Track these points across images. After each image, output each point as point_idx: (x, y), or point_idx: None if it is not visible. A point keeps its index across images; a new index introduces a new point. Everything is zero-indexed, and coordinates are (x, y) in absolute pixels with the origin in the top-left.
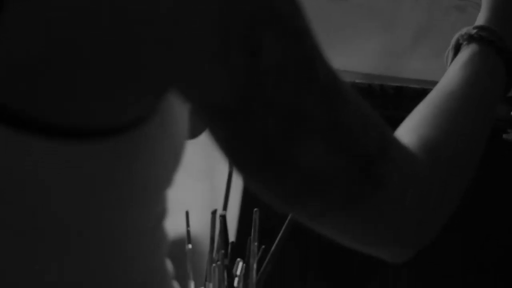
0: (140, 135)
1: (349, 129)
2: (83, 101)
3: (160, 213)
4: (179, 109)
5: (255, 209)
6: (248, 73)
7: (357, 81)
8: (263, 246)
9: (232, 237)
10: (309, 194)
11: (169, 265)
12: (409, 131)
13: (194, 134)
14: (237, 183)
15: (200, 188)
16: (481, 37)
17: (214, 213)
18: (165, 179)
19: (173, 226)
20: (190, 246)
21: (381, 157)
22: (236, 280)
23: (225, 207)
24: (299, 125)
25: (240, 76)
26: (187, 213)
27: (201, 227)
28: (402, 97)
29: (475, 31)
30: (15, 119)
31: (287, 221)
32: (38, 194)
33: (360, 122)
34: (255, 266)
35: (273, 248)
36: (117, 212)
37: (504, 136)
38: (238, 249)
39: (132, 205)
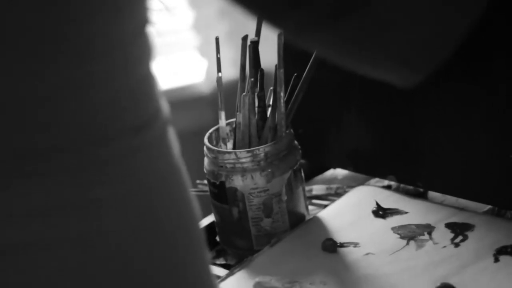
0: None
1: None
2: None
3: (140, 21)
4: None
5: (279, 32)
6: None
7: None
8: (296, 74)
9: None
10: (292, 4)
11: (155, 75)
12: None
13: None
14: None
15: None
16: None
17: (244, 39)
18: None
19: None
20: (220, 74)
21: None
22: (269, 110)
23: (257, 33)
24: None
25: None
26: (217, 39)
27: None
28: None
29: None
30: None
31: None
32: None
33: None
34: (282, 94)
35: (304, 75)
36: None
37: None
38: None
39: (104, 12)
